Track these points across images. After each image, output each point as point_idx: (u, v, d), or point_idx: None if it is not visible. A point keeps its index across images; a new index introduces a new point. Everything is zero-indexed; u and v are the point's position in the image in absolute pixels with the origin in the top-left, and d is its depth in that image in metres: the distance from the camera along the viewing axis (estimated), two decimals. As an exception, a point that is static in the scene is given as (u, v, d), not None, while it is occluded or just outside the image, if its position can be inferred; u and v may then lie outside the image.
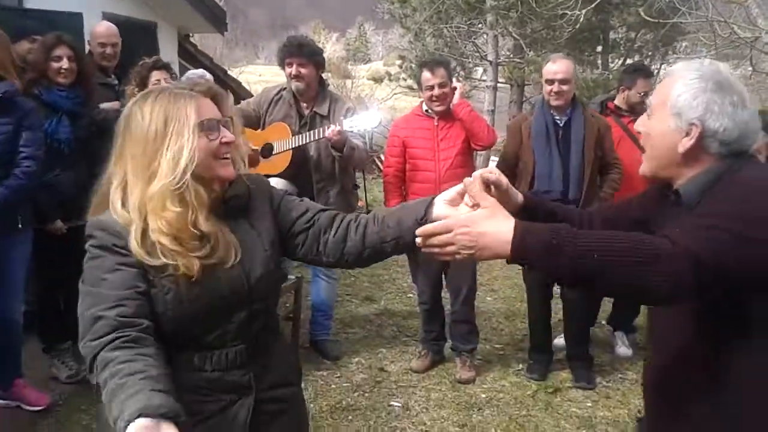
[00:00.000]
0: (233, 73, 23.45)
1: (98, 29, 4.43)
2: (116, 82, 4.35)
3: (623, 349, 4.24)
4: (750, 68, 6.88)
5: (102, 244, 1.41)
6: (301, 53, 3.81)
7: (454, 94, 3.78)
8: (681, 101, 1.39)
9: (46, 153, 3.31)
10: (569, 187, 3.64)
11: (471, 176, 1.46)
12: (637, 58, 14.32)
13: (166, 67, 4.03)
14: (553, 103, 3.68)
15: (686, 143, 1.39)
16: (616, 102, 4.15)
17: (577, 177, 3.65)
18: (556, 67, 3.65)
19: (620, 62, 13.99)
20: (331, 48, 47.29)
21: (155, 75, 3.91)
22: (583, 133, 3.66)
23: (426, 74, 3.80)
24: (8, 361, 3.29)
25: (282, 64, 3.88)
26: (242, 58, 44.07)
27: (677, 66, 1.49)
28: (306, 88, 3.84)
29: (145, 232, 1.39)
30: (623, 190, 3.78)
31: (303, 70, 3.80)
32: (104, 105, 4.03)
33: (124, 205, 1.43)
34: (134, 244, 1.38)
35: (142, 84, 3.90)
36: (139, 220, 1.40)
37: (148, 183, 1.40)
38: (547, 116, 3.73)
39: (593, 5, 7.14)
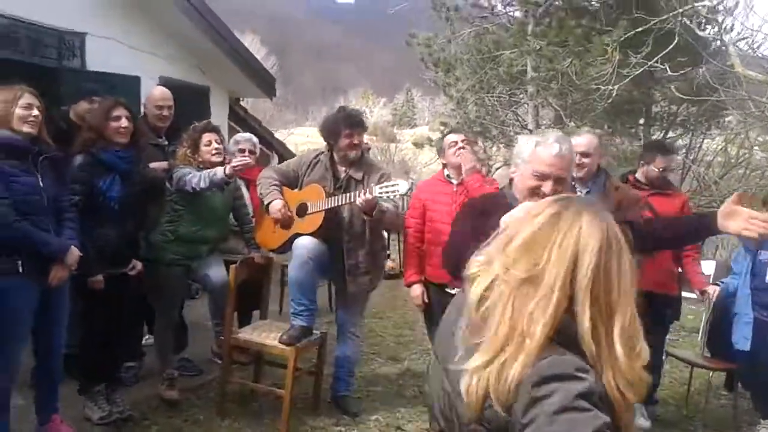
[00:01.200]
0: (282, 134, 24.32)
1: (155, 92, 4.80)
2: (166, 143, 4.69)
3: (642, 421, 4.23)
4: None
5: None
6: (362, 124, 4.09)
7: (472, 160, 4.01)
8: None
9: (98, 209, 3.59)
10: None
11: None
12: (679, 131, 14.36)
13: (215, 130, 4.35)
14: (576, 174, 3.82)
15: None
16: (636, 175, 4.29)
17: None
18: (580, 140, 3.81)
19: (662, 135, 14.03)
20: (378, 112, 48.47)
21: (206, 137, 4.22)
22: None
23: (451, 135, 4.21)
24: (48, 398, 3.51)
25: (335, 133, 4.06)
26: (292, 120, 45.51)
27: None
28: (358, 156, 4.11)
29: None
30: (643, 264, 3.86)
31: (362, 140, 4.10)
32: (153, 164, 4.36)
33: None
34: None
35: (194, 146, 4.21)
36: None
37: None
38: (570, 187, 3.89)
39: (626, 81, 7.29)
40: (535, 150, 2.29)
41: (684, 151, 13.97)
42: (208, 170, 4.06)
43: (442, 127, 15.52)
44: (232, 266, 4.07)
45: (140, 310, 4.41)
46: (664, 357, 4.41)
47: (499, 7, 13.72)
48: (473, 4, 13.79)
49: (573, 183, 3.88)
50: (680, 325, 6.63)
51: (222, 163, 4.31)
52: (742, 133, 10.48)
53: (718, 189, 12.77)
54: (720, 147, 14.01)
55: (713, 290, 4.45)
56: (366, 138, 4.47)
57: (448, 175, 4.18)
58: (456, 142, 4.12)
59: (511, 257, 1.26)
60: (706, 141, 14.15)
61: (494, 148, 14.69)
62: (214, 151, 4.22)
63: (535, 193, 2.25)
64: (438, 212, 4.10)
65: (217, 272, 4.29)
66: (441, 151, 4.30)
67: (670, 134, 14.08)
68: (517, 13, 13.27)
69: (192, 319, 5.12)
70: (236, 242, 4.70)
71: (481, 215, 2.19)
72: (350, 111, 4.23)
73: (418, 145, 17.56)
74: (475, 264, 1.33)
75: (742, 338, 4.05)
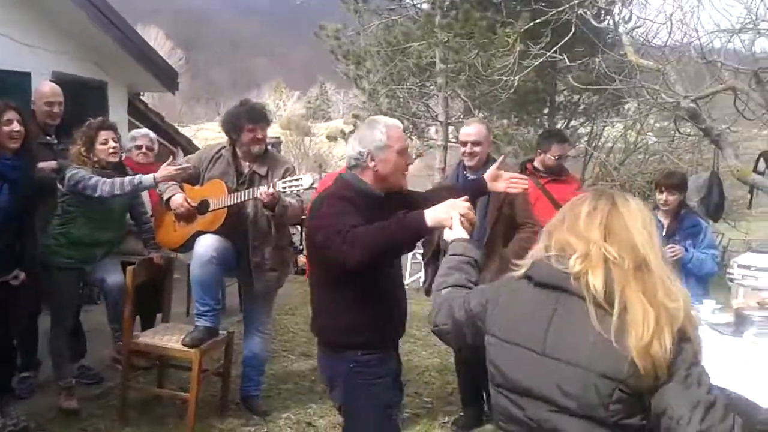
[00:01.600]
0: (191, 129, 23.66)
1: (44, 88, 4.55)
2: (55, 141, 4.44)
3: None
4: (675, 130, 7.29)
5: None
6: (265, 119, 3.97)
7: None
8: None
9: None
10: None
11: None
12: (582, 119, 14.95)
13: (112, 127, 4.14)
14: (467, 163, 3.89)
15: None
16: (534, 163, 4.40)
17: (479, 234, 3.73)
18: (470, 129, 3.89)
19: (565, 123, 14.56)
20: (292, 106, 47.98)
21: (102, 135, 4.01)
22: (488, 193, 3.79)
23: None
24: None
25: (237, 127, 3.92)
26: (203, 115, 44.40)
27: None
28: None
29: None
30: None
31: (266, 134, 3.97)
32: (42, 164, 4.12)
33: None
34: None
35: (89, 144, 3.99)
36: None
37: None
38: (460, 175, 3.94)
39: (526, 71, 7.50)
40: (390, 133, 2.52)
41: (586, 138, 14.58)
42: (129, 177, 3.88)
43: (355, 120, 15.53)
44: (130, 268, 3.90)
45: (33, 318, 4.18)
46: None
47: (407, -1, 13.84)
48: (381, -4, 13.84)
49: (465, 172, 3.94)
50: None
51: (119, 164, 4.13)
52: (639, 121, 10.97)
53: (619, 174, 13.40)
54: (620, 134, 14.69)
55: None
56: (279, 132, 4.38)
57: None
58: None
59: (613, 249, 1.53)
60: (606, 128, 14.80)
61: (407, 140, 14.83)
62: (110, 150, 4.02)
63: (407, 166, 2.62)
64: None
65: (113, 275, 4.11)
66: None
67: (573, 122, 14.65)
68: (425, 5, 13.41)
69: (92, 325, 4.90)
70: (135, 243, 4.51)
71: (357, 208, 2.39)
72: (253, 105, 4.12)
73: (331, 138, 17.46)
74: (575, 260, 1.55)
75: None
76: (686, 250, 3.99)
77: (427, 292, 4.02)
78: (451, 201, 2.23)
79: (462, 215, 2.13)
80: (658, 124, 12.48)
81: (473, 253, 2.04)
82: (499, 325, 1.67)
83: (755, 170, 5.02)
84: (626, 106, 14.17)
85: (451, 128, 13.38)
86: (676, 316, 1.47)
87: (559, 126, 14.56)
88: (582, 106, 14.68)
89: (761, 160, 4.98)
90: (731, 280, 6.47)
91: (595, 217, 1.59)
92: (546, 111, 14.84)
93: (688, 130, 8.88)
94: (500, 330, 1.66)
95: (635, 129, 14.10)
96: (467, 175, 3.94)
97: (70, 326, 4.18)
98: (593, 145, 14.29)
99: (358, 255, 2.20)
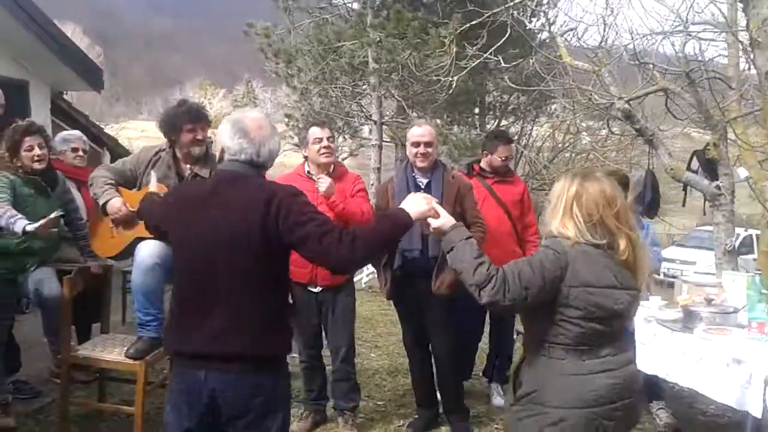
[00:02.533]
0: (114, 129, 22.78)
1: None
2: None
3: (498, 399, 4.42)
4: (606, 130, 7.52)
5: None
6: (205, 119, 3.80)
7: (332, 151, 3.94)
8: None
9: None
10: (428, 245, 3.70)
11: None
12: (511, 119, 15.31)
13: (40, 131, 3.89)
14: (419, 165, 3.86)
15: None
16: (481, 164, 4.42)
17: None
18: (422, 130, 3.86)
19: (495, 123, 14.87)
20: (218, 104, 46.98)
21: (27, 141, 3.76)
22: (441, 193, 3.76)
23: (315, 129, 3.92)
24: None
25: (176, 128, 3.71)
26: (124, 113, 42.84)
27: None
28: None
29: None
30: (488, 246, 3.98)
31: (206, 135, 3.79)
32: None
33: None
34: None
35: (14, 150, 3.74)
36: None
37: None
38: (410, 178, 3.89)
39: (464, 72, 7.58)
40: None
41: (516, 137, 14.93)
42: (9, 215, 3.55)
43: (286, 119, 15.34)
44: (66, 278, 3.68)
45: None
46: (515, 336, 4.60)
47: (338, -3, 13.78)
48: (312, -6, 13.73)
49: (413, 174, 3.92)
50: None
51: (49, 168, 3.90)
52: (568, 120, 11.30)
53: (548, 172, 13.80)
54: (548, 134, 15.13)
55: None
56: (209, 131, 4.21)
57: (308, 171, 3.98)
58: (321, 139, 3.87)
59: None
60: (535, 128, 15.22)
61: (340, 139, 14.76)
62: (36, 157, 3.79)
63: None
64: None
65: (49, 285, 3.88)
66: (303, 143, 4.09)
67: (503, 122, 14.98)
68: (355, 5, 13.41)
69: (25, 335, 4.60)
70: (70, 250, 4.27)
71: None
72: (191, 104, 3.93)
73: (262, 137, 17.14)
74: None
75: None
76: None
77: (389, 296, 3.98)
78: (419, 195, 2.35)
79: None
80: (584, 124, 12.89)
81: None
82: (589, 278, 2.18)
83: (689, 168, 5.24)
84: (553, 107, 14.62)
85: (384, 128, 13.44)
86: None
87: (490, 126, 14.90)
88: (511, 107, 15.05)
89: (694, 158, 5.20)
90: (665, 274, 6.73)
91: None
92: (477, 111, 15.12)
93: (615, 130, 9.19)
94: (592, 280, 2.18)
95: (562, 128, 14.55)
96: (416, 176, 3.92)
97: (3, 340, 3.92)
98: (523, 143, 14.65)
99: (360, 252, 2.13)
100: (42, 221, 3.51)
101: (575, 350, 2.21)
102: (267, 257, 2.19)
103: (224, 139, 2.31)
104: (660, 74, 5.50)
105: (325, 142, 3.87)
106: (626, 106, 5.26)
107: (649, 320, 3.78)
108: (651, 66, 5.39)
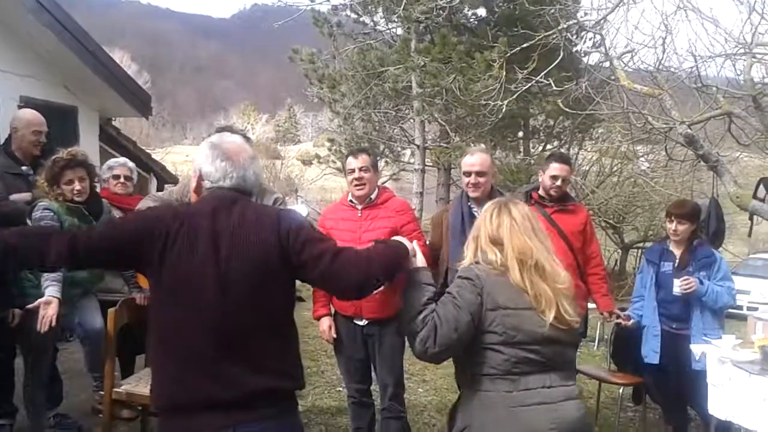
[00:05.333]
0: (159, 153, 23.18)
1: (28, 115, 4.30)
2: (31, 171, 4.14)
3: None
4: (665, 155, 7.23)
5: None
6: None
7: (376, 179, 3.77)
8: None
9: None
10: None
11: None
12: (555, 143, 15.00)
13: (82, 164, 3.80)
14: (471, 194, 3.68)
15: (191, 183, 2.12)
16: (539, 192, 4.18)
17: (453, 253, 3.49)
18: (473, 159, 3.66)
19: (541, 148, 14.59)
20: (261, 129, 47.68)
21: (67, 175, 3.68)
22: None
23: (350, 159, 3.78)
24: None
25: None
26: (169, 138, 43.73)
27: None
28: None
29: None
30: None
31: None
32: (15, 196, 3.82)
33: None
34: None
35: (53, 181, 3.68)
36: None
37: None
38: (464, 208, 3.72)
39: (515, 96, 7.40)
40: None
41: (563, 161, 14.61)
42: (53, 276, 3.48)
43: (328, 144, 15.37)
44: (110, 310, 3.58)
45: (9, 360, 3.84)
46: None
47: (382, 23, 13.79)
48: (356, 21, 13.78)
49: (468, 203, 3.73)
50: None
51: (94, 196, 3.86)
52: (623, 145, 10.94)
53: (595, 197, 13.44)
54: (595, 158, 14.77)
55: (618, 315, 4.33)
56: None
57: (350, 200, 3.84)
58: (353, 170, 3.66)
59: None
60: (581, 152, 14.87)
61: (382, 163, 14.68)
62: (75, 191, 3.70)
63: None
64: (343, 240, 3.75)
65: (91, 318, 3.79)
66: (345, 172, 3.96)
67: (548, 147, 14.69)
68: (399, 30, 13.39)
69: (67, 365, 4.54)
70: (115, 281, 4.20)
71: None
72: (227, 131, 3.83)
73: (305, 162, 17.29)
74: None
75: (651, 351, 4.05)
76: (701, 282, 3.84)
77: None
78: (399, 237, 2.41)
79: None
80: (639, 148, 12.52)
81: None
82: (504, 300, 2.10)
83: (755, 196, 4.93)
84: (599, 131, 14.29)
85: (426, 152, 13.30)
86: None
87: (534, 150, 14.63)
88: (556, 130, 14.76)
89: (761, 186, 4.89)
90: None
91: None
92: (521, 135, 14.88)
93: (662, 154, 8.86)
94: (508, 302, 2.10)
95: (610, 153, 14.19)
96: (471, 206, 3.74)
97: (47, 372, 3.84)
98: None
99: (377, 271, 2.02)
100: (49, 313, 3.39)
101: (502, 380, 2.07)
102: (285, 281, 1.98)
103: (202, 164, 2.07)
104: (723, 98, 5.23)
105: (357, 173, 3.66)
106: (688, 130, 5.00)
107: (723, 361, 3.50)
108: (714, 89, 5.11)
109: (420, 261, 2.28)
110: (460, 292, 2.13)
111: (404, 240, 2.32)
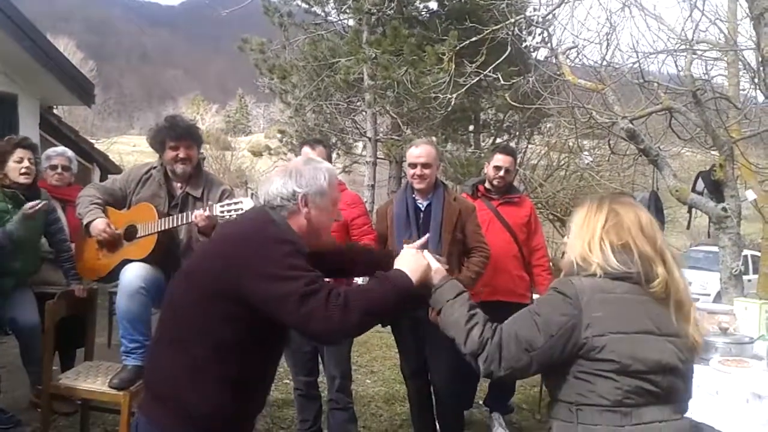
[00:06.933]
0: (104, 143, 22.58)
1: None
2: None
3: (499, 430, 4.23)
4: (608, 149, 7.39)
5: None
6: (190, 136, 3.62)
7: None
8: None
9: None
10: None
11: None
12: (505, 137, 15.21)
13: (31, 147, 3.78)
14: (416, 186, 3.69)
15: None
16: (485, 185, 4.23)
17: None
18: (419, 151, 3.66)
19: (491, 141, 14.76)
20: (211, 119, 46.92)
21: (18, 153, 3.65)
22: (441, 216, 3.62)
23: (306, 149, 3.76)
24: None
25: (162, 145, 3.59)
26: (116, 128, 42.61)
27: None
28: (191, 170, 3.65)
29: None
30: (493, 273, 3.82)
31: (191, 153, 3.62)
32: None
33: None
34: None
35: (1, 160, 3.61)
36: None
37: None
38: (409, 200, 3.72)
39: (464, 90, 7.46)
40: (331, 180, 2.15)
41: (512, 155, 14.83)
42: None
43: (279, 135, 15.22)
44: (48, 303, 3.48)
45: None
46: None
47: (333, 14, 13.71)
48: (307, 11, 13.66)
49: (413, 195, 3.76)
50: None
51: (33, 186, 3.74)
52: (564, 139, 11.19)
53: (543, 190, 13.68)
54: (543, 151, 15.02)
55: None
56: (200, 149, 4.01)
57: None
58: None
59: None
60: (530, 146, 15.10)
61: (334, 155, 14.63)
62: (22, 170, 3.64)
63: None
64: None
65: (26, 311, 3.68)
66: None
67: (498, 140, 14.87)
68: (351, 21, 13.33)
69: (7, 360, 4.40)
70: (51, 272, 4.07)
71: None
72: (176, 120, 3.75)
73: (256, 153, 17.10)
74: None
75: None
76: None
77: (385, 323, 3.82)
78: (411, 250, 2.05)
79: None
80: (585, 143, 12.80)
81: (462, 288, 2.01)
82: (613, 322, 1.81)
83: (693, 190, 5.09)
84: (548, 125, 14.54)
85: (378, 144, 13.31)
86: None
87: (484, 143, 14.80)
88: (506, 124, 14.95)
89: (699, 180, 5.06)
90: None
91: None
92: (472, 128, 15.02)
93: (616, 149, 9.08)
94: (618, 325, 1.81)
95: (557, 147, 14.46)
96: (416, 198, 3.76)
97: None
98: (518, 162, 14.53)
99: (355, 319, 1.78)
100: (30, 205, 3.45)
101: (612, 412, 1.80)
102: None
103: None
104: (664, 93, 5.38)
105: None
106: (630, 125, 5.13)
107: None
108: (656, 85, 5.26)
109: (439, 273, 2.02)
110: (546, 308, 1.87)
111: (413, 255, 2.04)
